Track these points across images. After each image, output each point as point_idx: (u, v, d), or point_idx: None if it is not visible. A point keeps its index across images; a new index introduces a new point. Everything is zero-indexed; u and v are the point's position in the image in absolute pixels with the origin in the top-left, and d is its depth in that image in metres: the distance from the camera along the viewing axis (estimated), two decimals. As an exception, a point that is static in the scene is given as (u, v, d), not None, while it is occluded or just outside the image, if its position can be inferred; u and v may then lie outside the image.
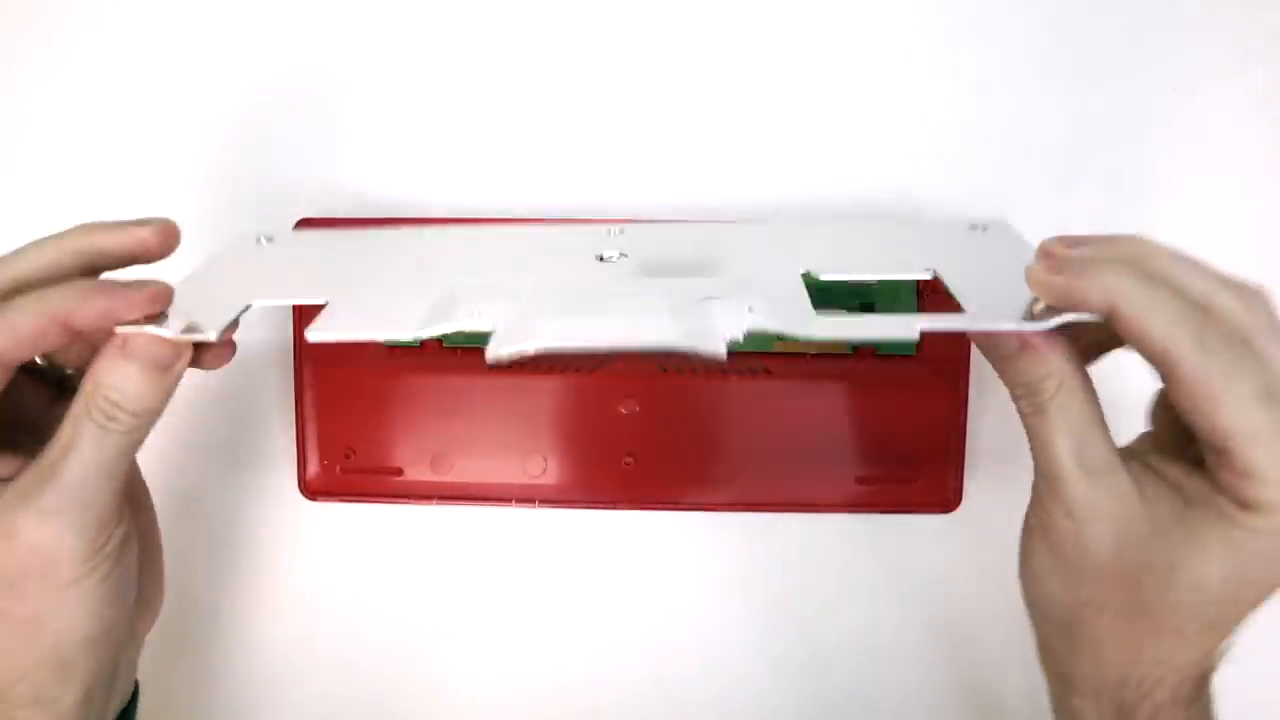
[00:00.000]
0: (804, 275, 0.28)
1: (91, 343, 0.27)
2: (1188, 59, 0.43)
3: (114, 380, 0.26)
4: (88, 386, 0.26)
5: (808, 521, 0.41)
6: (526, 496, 0.40)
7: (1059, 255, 0.26)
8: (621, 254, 0.29)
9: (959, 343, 0.40)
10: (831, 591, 0.42)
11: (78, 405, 0.26)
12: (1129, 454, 0.27)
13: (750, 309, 0.25)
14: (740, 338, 0.24)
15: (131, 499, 0.30)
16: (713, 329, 0.24)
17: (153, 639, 0.34)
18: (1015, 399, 0.28)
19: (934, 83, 0.43)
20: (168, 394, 0.27)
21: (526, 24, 0.42)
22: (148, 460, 0.31)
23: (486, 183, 0.42)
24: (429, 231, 0.32)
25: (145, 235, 0.28)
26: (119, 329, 0.26)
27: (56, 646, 0.27)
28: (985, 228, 0.31)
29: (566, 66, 0.42)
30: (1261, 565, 0.25)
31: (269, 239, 0.31)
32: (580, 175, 0.42)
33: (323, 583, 0.42)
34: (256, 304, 0.28)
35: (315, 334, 0.26)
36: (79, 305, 0.26)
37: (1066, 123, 0.42)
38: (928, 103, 0.42)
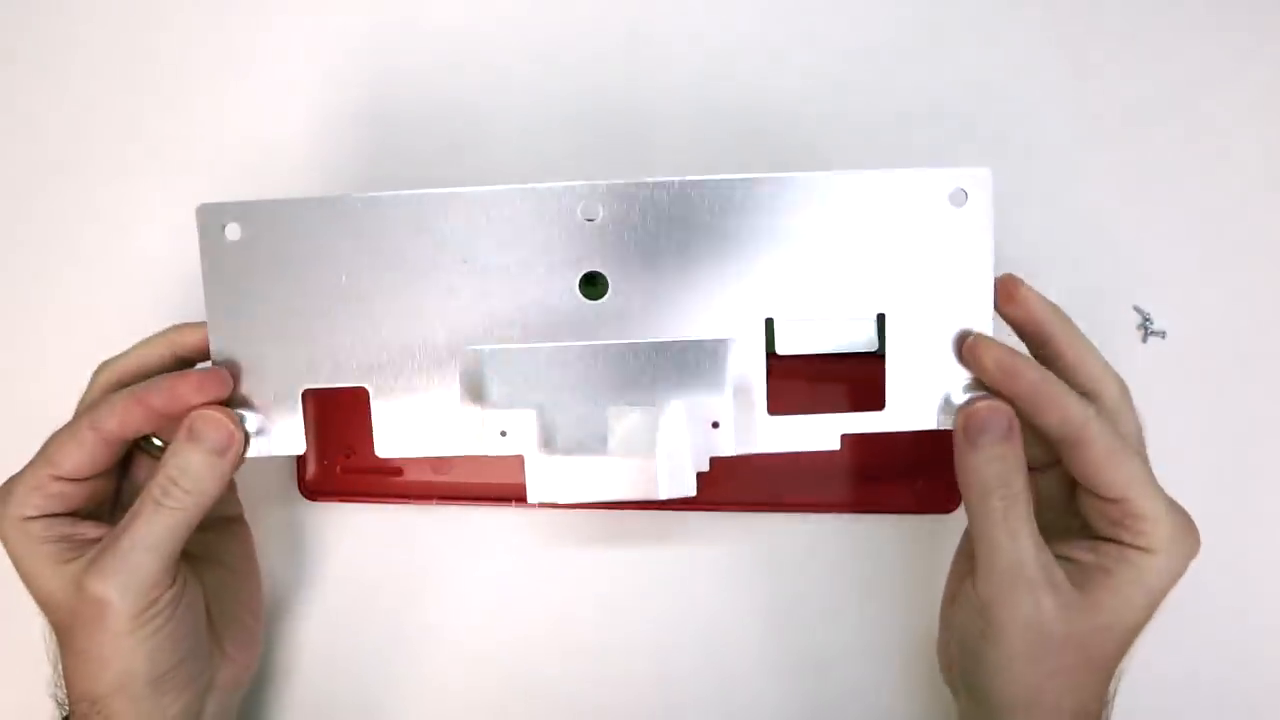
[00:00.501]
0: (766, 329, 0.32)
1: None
2: (1188, 59, 0.43)
3: (177, 460, 0.32)
4: (158, 467, 0.32)
5: (807, 521, 0.41)
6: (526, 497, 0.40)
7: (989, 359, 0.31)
8: (600, 218, 0.32)
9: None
10: (830, 591, 0.42)
11: (150, 483, 0.32)
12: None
13: (715, 424, 0.32)
14: (706, 467, 0.32)
15: (221, 565, 0.36)
16: (687, 475, 0.32)
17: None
18: (971, 506, 0.32)
19: (932, 84, 0.43)
20: (224, 478, 0.32)
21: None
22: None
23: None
24: (410, 221, 0.32)
25: None
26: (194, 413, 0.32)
27: (123, 684, 0.32)
28: (966, 197, 0.32)
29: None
30: (1162, 595, 0.31)
31: (233, 231, 0.32)
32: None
33: (322, 582, 0.42)
34: (305, 388, 0.33)
35: (384, 450, 0.33)
36: (152, 390, 0.32)
37: (1066, 122, 0.42)
38: (927, 104, 0.42)
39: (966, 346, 0.32)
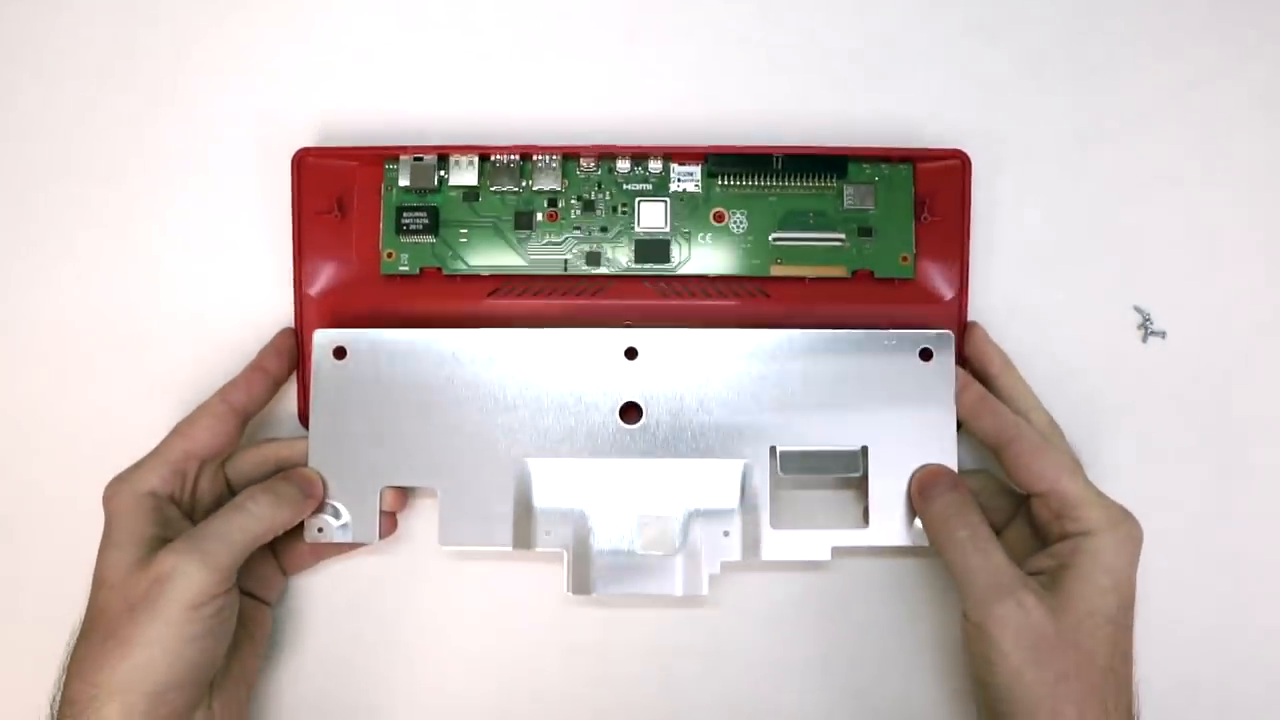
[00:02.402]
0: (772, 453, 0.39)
1: None
2: (1188, 59, 0.43)
3: (269, 483, 0.37)
4: (248, 488, 0.37)
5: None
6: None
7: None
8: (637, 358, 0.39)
9: (956, 265, 0.40)
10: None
11: (238, 495, 0.36)
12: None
13: (726, 533, 0.39)
14: (718, 570, 0.38)
15: (244, 631, 0.37)
16: (702, 576, 0.38)
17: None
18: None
19: (932, 83, 0.43)
20: (295, 517, 0.37)
21: None
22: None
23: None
24: (471, 364, 0.39)
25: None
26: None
27: (133, 681, 0.32)
28: (931, 354, 0.38)
29: None
30: (1127, 575, 0.34)
31: (340, 355, 0.39)
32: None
33: (322, 579, 0.42)
34: (383, 486, 0.39)
35: (445, 541, 0.38)
36: (266, 356, 0.40)
37: (1066, 122, 0.43)
38: (928, 104, 0.43)
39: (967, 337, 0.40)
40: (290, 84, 0.43)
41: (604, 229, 0.41)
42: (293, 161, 0.40)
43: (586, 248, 0.41)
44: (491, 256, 0.41)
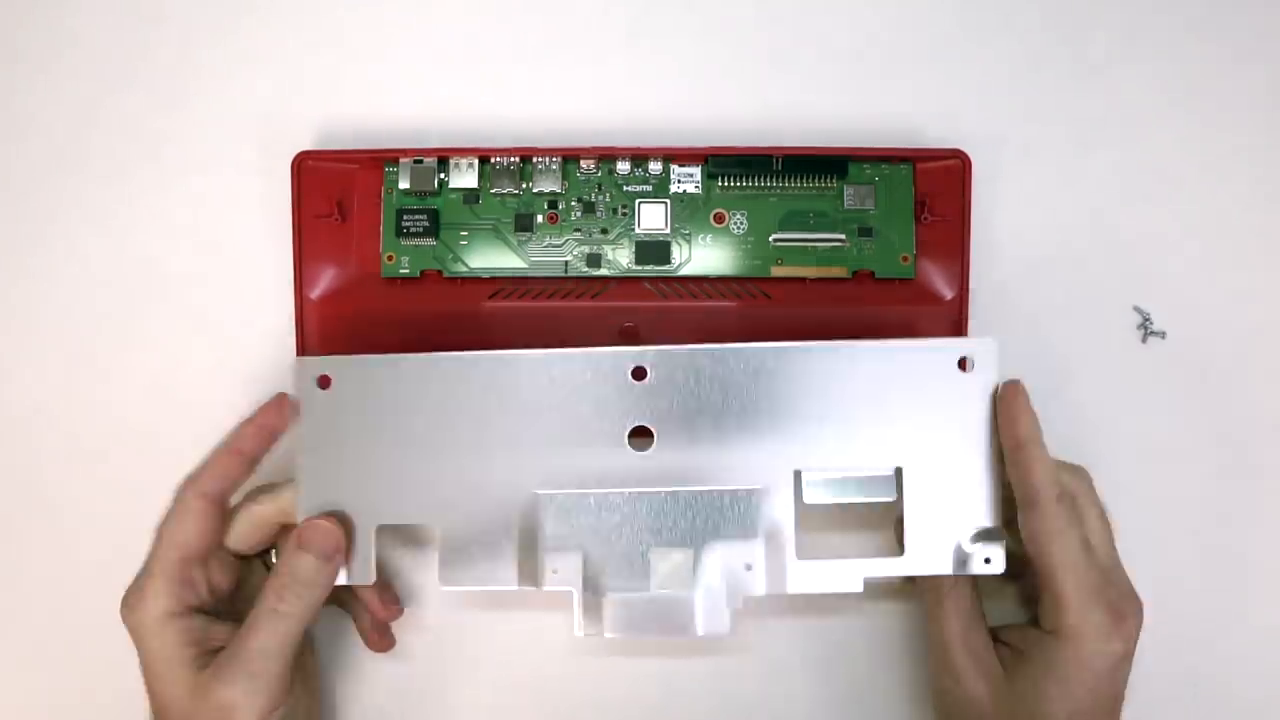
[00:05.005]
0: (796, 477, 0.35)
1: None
2: (1188, 59, 0.43)
3: (290, 565, 0.34)
4: (272, 574, 0.34)
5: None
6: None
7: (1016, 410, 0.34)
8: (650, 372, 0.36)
9: (956, 265, 0.40)
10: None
11: (265, 589, 0.34)
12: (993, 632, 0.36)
13: (748, 566, 0.35)
14: (740, 605, 0.35)
15: (303, 682, 0.36)
16: (722, 614, 0.35)
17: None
18: (920, 589, 0.37)
19: (932, 83, 0.43)
20: (330, 582, 0.35)
21: None
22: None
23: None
24: (470, 386, 0.36)
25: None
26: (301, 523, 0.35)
27: None
28: (972, 364, 0.35)
29: None
30: (1085, 693, 0.32)
31: (325, 384, 0.36)
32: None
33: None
34: (381, 524, 0.36)
35: (445, 582, 0.35)
36: (239, 437, 0.35)
37: (1066, 123, 0.43)
38: (928, 104, 0.43)
39: (1002, 391, 0.35)
40: (290, 87, 0.43)
41: (604, 230, 0.41)
42: (293, 165, 0.39)
43: (587, 249, 0.41)
44: (492, 259, 0.41)
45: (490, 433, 0.36)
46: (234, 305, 0.42)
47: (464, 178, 0.40)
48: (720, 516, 0.36)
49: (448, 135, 0.42)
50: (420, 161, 0.40)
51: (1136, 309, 0.42)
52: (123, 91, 0.43)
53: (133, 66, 0.43)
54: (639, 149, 0.40)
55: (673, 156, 0.41)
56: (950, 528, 0.35)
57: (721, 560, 0.35)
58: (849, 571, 0.35)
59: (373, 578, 0.35)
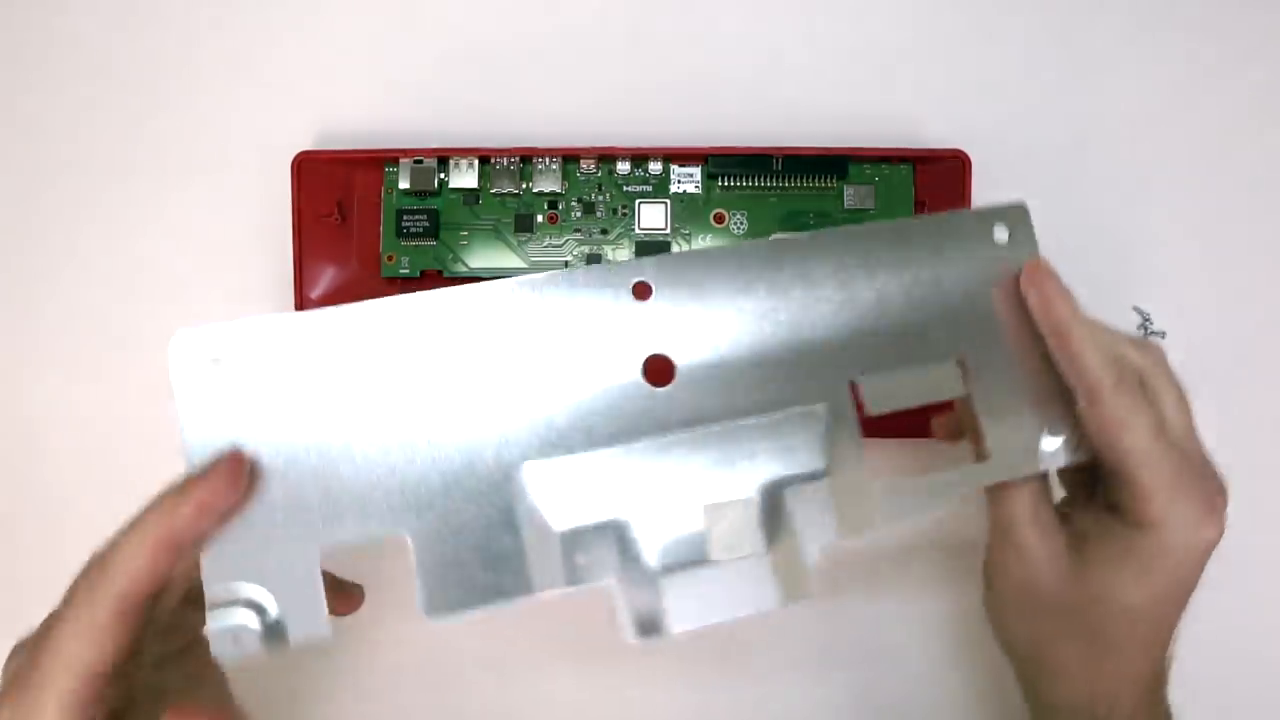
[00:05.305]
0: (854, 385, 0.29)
1: None
2: (1188, 59, 0.43)
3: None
4: None
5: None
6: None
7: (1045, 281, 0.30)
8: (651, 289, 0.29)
9: None
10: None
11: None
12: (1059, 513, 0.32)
13: (818, 505, 0.28)
14: (819, 556, 0.28)
15: None
16: (806, 571, 0.27)
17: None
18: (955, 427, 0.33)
19: (933, 83, 0.43)
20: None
21: None
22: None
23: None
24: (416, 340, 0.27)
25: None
26: None
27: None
28: (1009, 231, 0.31)
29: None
30: (1168, 581, 0.30)
31: (216, 360, 0.27)
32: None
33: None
34: (322, 547, 0.26)
35: (433, 611, 0.26)
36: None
37: (1066, 122, 0.43)
38: (927, 103, 0.43)
39: (1024, 275, 0.30)
40: (290, 87, 0.43)
41: (604, 231, 0.41)
42: (293, 165, 0.39)
43: (587, 249, 0.41)
44: (492, 259, 0.41)
45: (464, 399, 0.27)
46: (234, 305, 0.42)
47: (464, 178, 0.40)
48: (774, 450, 0.28)
49: (448, 135, 0.42)
50: (420, 161, 0.40)
51: (1136, 309, 0.42)
52: (123, 91, 0.43)
53: (133, 66, 0.43)
54: (639, 149, 0.40)
55: (673, 156, 0.41)
56: (1027, 420, 0.30)
57: (788, 506, 0.28)
58: (935, 489, 0.29)
59: (328, 628, 0.25)
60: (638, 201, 0.41)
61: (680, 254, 0.29)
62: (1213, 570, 0.41)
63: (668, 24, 0.43)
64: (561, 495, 0.27)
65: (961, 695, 0.41)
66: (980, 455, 0.30)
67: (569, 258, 0.41)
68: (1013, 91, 0.43)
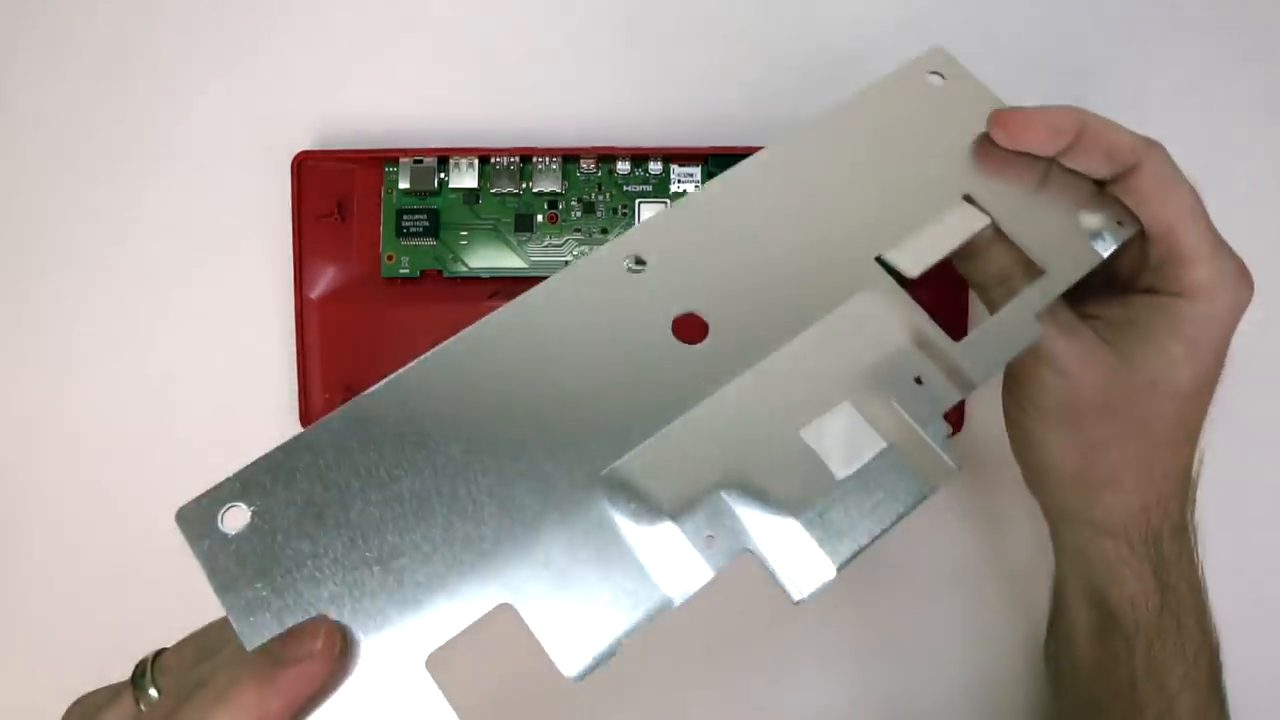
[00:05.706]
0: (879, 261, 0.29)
1: None
2: (1188, 59, 0.43)
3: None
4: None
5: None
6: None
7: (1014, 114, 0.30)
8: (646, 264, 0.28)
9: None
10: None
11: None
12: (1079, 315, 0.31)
13: (918, 380, 0.27)
14: (945, 433, 0.27)
15: None
16: (941, 449, 0.26)
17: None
18: (988, 289, 0.32)
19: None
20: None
21: None
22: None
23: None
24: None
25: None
26: None
27: None
28: (942, 75, 0.32)
29: None
30: (1212, 353, 0.30)
31: (235, 519, 0.23)
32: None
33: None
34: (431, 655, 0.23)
35: (574, 669, 0.23)
36: None
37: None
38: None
39: (998, 126, 0.30)
40: (290, 87, 0.43)
41: (604, 230, 0.41)
42: (293, 164, 0.39)
43: (587, 249, 0.41)
44: (492, 259, 0.41)
45: (508, 439, 0.25)
46: (234, 305, 0.42)
47: (464, 178, 0.40)
48: (838, 352, 0.27)
49: (448, 135, 0.42)
50: (420, 161, 0.40)
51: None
52: (123, 91, 0.43)
53: (133, 66, 0.43)
54: (639, 149, 0.40)
55: (673, 156, 0.41)
56: (1062, 220, 0.30)
57: (884, 393, 0.27)
58: (1018, 319, 0.28)
59: None
60: (638, 201, 0.41)
61: (659, 215, 0.29)
62: (1213, 570, 0.41)
63: (668, 24, 0.43)
64: (654, 486, 0.25)
65: (982, 692, 0.41)
66: (1034, 276, 0.29)
67: (569, 257, 0.41)
68: (1013, 92, 0.43)
